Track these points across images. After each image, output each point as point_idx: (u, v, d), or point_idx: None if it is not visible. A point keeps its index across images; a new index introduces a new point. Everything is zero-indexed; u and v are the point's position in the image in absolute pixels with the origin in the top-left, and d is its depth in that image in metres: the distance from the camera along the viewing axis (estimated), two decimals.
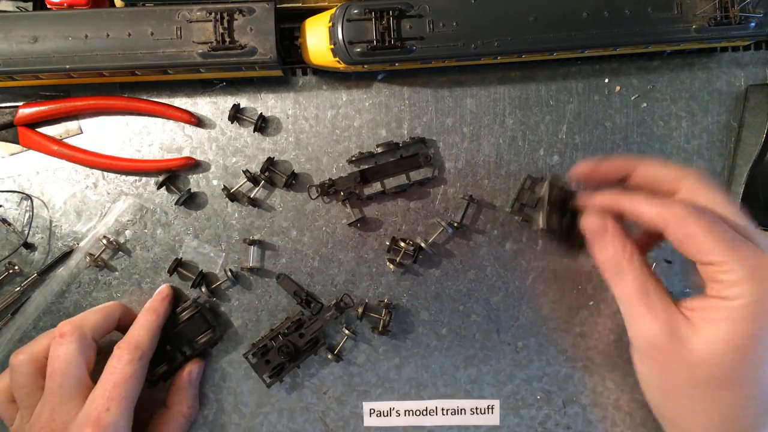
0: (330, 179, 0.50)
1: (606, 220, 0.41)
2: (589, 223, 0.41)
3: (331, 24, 0.45)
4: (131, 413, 0.44)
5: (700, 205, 0.38)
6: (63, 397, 0.43)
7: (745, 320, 0.35)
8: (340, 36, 0.45)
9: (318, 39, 0.46)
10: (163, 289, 0.49)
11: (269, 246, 0.51)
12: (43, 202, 0.50)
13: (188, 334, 0.49)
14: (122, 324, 0.48)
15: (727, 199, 0.39)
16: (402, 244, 0.50)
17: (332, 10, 0.46)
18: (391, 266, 0.50)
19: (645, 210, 0.38)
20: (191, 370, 0.49)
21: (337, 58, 0.46)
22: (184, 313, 0.49)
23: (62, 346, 0.44)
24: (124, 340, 0.46)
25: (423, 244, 0.50)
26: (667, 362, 0.37)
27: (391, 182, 0.50)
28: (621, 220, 0.41)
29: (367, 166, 0.50)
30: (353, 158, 0.50)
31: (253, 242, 0.50)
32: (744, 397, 0.37)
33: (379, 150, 0.50)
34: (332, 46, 0.45)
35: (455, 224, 0.50)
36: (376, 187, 0.50)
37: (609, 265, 0.40)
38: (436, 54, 0.45)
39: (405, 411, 0.51)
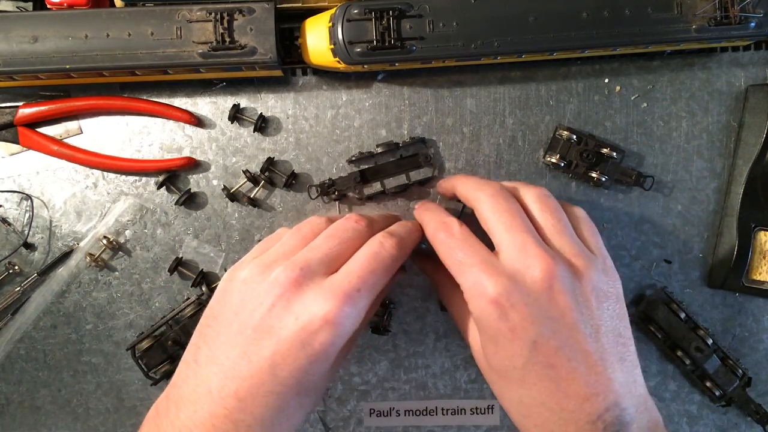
0: (330, 179, 0.50)
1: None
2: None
3: (331, 24, 0.45)
4: (371, 309, 0.41)
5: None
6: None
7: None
8: (340, 36, 0.45)
9: (318, 39, 0.46)
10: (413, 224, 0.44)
11: None
12: (43, 202, 0.50)
13: (191, 331, 0.49)
14: None
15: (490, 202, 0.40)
16: None
17: (332, 10, 0.46)
18: None
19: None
20: (400, 274, 0.46)
21: (337, 58, 0.46)
22: (187, 309, 0.49)
23: (349, 222, 0.40)
24: (387, 231, 0.41)
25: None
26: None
27: (391, 182, 0.50)
28: None
29: (367, 166, 0.50)
30: (353, 158, 0.50)
31: None
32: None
33: (379, 150, 0.50)
34: (332, 46, 0.45)
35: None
36: (376, 187, 0.50)
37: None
38: (436, 54, 0.45)
39: (405, 411, 0.51)
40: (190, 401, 0.36)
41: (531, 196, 0.41)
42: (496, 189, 0.41)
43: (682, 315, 0.49)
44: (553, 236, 0.39)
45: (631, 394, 0.37)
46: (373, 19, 0.44)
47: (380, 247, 0.39)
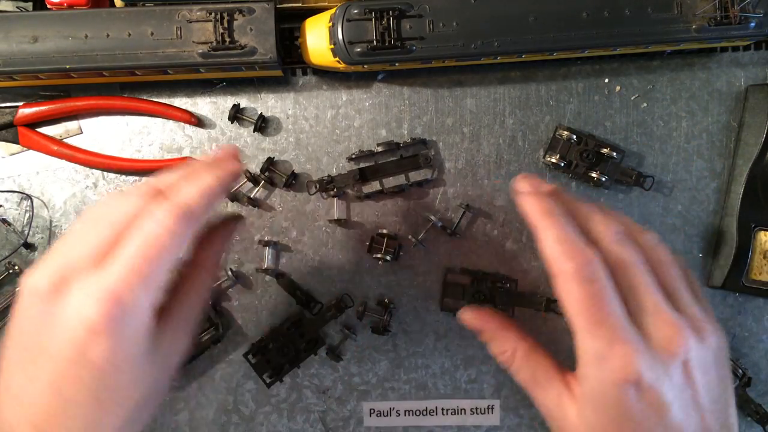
0: (329, 175, 0.50)
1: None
2: None
3: (331, 24, 0.45)
4: (158, 297, 0.32)
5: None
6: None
7: (590, 408, 0.34)
8: (340, 36, 0.45)
9: (318, 39, 0.46)
10: (228, 148, 0.38)
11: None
12: (43, 202, 0.50)
13: None
14: None
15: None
16: (384, 239, 0.50)
17: (332, 10, 0.46)
18: (380, 262, 0.50)
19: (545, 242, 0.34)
20: (231, 226, 0.40)
21: (337, 58, 0.46)
22: None
23: (159, 210, 0.31)
24: (168, 197, 0.33)
25: (413, 239, 0.50)
26: None
27: (390, 182, 0.50)
28: None
29: (367, 165, 0.50)
30: (353, 156, 0.50)
31: (268, 243, 0.50)
32: None
33: (380, 149, 0.50)
34: (332, 46, 0.45)
35: (449, 230, 0.50)
36: (375, 186, 0.50)
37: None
38: (436, 54, 0.45)
39: (405, 411, 0.51)
40: None
41: (648, 242, 0.36)
42: (622, 237, 0.35)
43: None
44: (680, 297, 0.35)
45: None
46: (373, 19, 0.44)
47: (154, 224, 0.31)
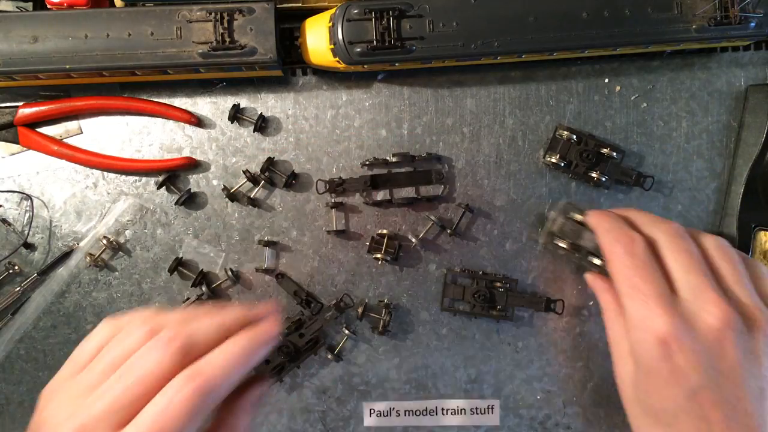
0: (340, 177, 0.50)
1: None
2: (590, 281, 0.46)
3: (331, 24, 0.45)
4: None
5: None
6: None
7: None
8: (340, 36, 0.45)
9: (318, 39, 0.46)
10: (270, 306, 0.38)
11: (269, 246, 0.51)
12: (43, 202, 0.50)
13: None
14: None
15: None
16: (384, 240, 0.50)
17: (332, 10, 0.46)
18: (380, 262, 0.50)
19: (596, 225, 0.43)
20: (258, 392, 0.38)
21: (337, 58, 0.46)
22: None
23: (158, 352, 0.33)
24: (195, 369, 0.33)
25: (413, 239, 0.50)
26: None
27: (400, 193, 0.50)
28: None
29: (379, 172, 0.50)
30: (367, 162, 0.50)
31: (268, 243, 0.50)
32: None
33: (394, 159, 0.50)
34: (332, 46, 0.45)
35: (449, 231, 0.50)
36: (384, 194, 0.50)
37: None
38: (436, 54, 0.45)
39: (405, 411, 0.51)
40: None
41: (710, 243, 0.40)
42: (676, 229, 0.40)
43: None
44: (733, 286, 0.38)
45: None
46: (373, 19, 0.44)
47: (176, 397, 0.31)
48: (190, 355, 0.33)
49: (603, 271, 0.49)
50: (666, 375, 0.35)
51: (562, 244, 0.48)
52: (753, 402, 0.35)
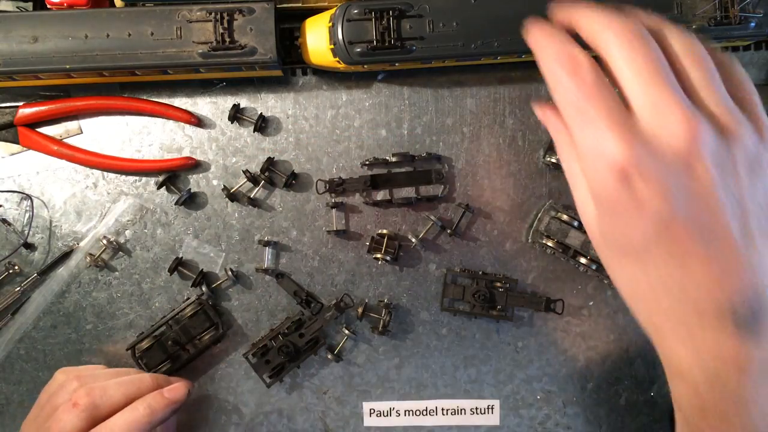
0: (340, 177, 0.50)
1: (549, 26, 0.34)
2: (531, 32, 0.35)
3: (331, 24, 0.45)
4: None
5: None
6: None
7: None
8: (340, 36, 0.45)
9: (318, 39, 0.46)
10: (177, 387, 0.46)
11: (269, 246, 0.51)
12: (43, 202, 0.50)
13: (191, 331, 0.49)
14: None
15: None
16: (384, 240, 0.50)
17: (332, 10, 0.46)
18: (380, 262, 0.50)
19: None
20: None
21: (337, 58, 0.46)
22: (188, 309, 0.49)
23: (69, 414, 0.42)
24: (96, 428, 0.42)
25: (413, 239, 0.50)
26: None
27: (400, 193, 0.50)
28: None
29: (379, 172, 0.50)
30: (367, 162, 0.50)
31: (268, 243, 0.50)
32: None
33: (394, 159, 0.50)
34: (332, 46, 0.45)
35: (449, 231, 0.50)
36: (384, 194, 0.50)
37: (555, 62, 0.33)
38: (436, 54, 0.45)
39: (405, 411, 0.51)
40: None
41: (676, 43, 0.32)
42: (632, 29, 0.31)
43: None
44: (701, 93, 0.31)
45: None
46: (373, 19, 0.44)
47: None
48: (97, 417, 0.42)
49: (592, 271, 0.49)
50: (629, 208, 0.30)
51: (549, 243, 0.48)
52: (734, 226, 0.30)
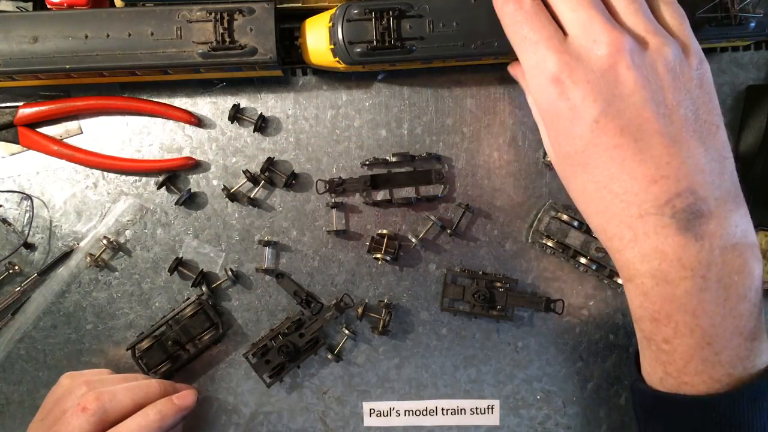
0: (340, 177, 0.50)
1: None
2: None
3: (331, 24, 0.45)
4: None
5: None
6: None
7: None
8: (340, 36, 0.45)
9: (318, 39, 0.46)
10: (186, 395, 0.47)
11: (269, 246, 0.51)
12: (43, 202, 0.50)
13: (191, 331, 0.49)
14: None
15: None
16: (384, 239, 0.50)
17: (332, 11, 0.46)
18: (380, 262, 0.50)
19: None
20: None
21: (337, 58, 0.46)
22: (188, 309, 0.49)
23: (78, 419, 0.42)
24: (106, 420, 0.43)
25: (413, 239, 0.50)
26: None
27: (400, 193, 0.50)
28: None
29: (379, 172, 0.50)
30: (367, 162, 0.50)
31: (268, 243, 0.50)
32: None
33: (394, 159, 0.50)
34: (332, 47, 0.45)
35: (449, 231, 0.50)
36: (384, 194, 0.50)
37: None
38: (436, 54, 0.45)
39: (405, 411, 0.51)
40: None
41: None
42: None
43: None
44: (626, 15, 0.36)
45: (713, 185, 0.34)
46: (373, 19, 0.44)
47: None
48: (106, 422, 0.43)
49: (592, 271, 0.49)
50: (567, 114, 0.35)
51: (549, 243, 0.48)
52: (662, 121, 0.34)
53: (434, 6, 0.45)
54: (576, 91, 0.34)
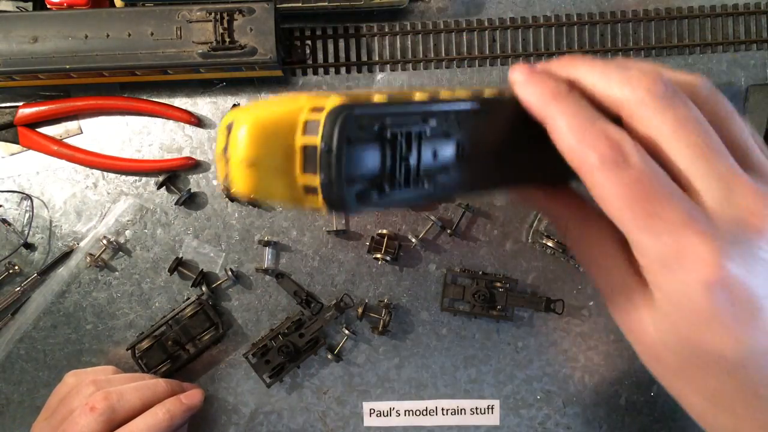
0: None
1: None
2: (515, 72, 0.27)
3: (322, 142, 0.21)
4: None
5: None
6: None
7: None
8: (335, 166, 0.21)
9: (272, 158, 0.22)
10: (194, 394, 0.47)
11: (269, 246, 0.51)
12: (43, 202, 0.50)
13: (191, 331, 0.49)
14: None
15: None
16: (384, 239, 0.50)
17: (304, 108, 0.22)
18: (380, 262, 0.50)
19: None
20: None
21: (321, 198, 0.22)
22: (188, 309, 0.49)
23: (86, 418, 0.42)
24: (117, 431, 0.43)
25: (413, 239, 0.50)
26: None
27: None
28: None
29: None
30: None
31: (268, 243, 0.50)
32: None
33: None
34: (320, 179, 0.22)
35: (449, 231, 0.50)
36: None
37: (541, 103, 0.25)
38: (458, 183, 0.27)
39: (405, 411, 0.51)
40: None
41: (701, 93, 0.26)
42: (658, 86, 0.25)
43: None
44: (748, 156, 0.26)
45: None
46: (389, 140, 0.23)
47: None
48: (114, 421, 0.43)
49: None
50: (723, 320, 0.24)
51: (549, 243, 0.48)
52: None
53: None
54: (743, 293, 0.24)
